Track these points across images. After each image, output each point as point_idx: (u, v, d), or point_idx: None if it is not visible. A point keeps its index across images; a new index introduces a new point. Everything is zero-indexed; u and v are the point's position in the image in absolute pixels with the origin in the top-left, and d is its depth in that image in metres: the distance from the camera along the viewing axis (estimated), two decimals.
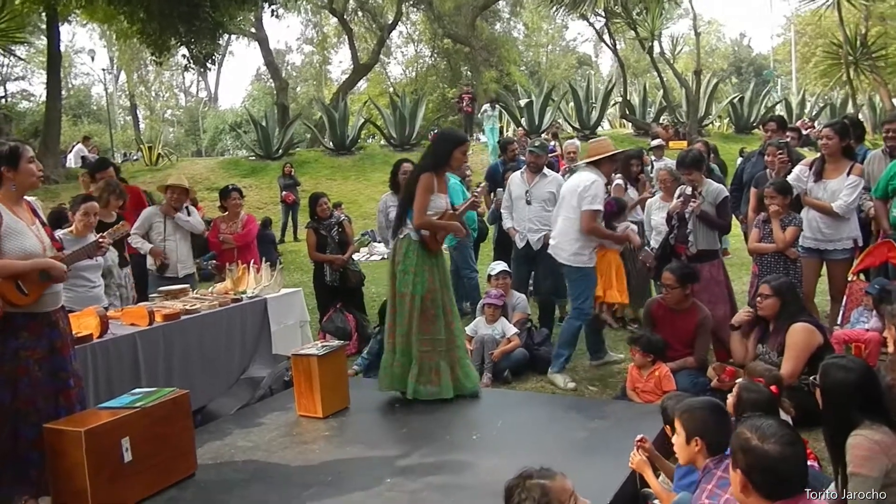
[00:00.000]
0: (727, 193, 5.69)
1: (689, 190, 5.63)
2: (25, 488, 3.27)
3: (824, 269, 5.50)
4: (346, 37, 30.29)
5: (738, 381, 3.37)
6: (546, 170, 6.49)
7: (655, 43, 20.88)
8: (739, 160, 8.79)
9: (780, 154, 5.72)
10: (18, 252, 3.27)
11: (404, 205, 4.57)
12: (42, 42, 24.23)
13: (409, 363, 4.45)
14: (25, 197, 3.50)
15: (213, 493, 3.36)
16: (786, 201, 5.04)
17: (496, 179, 7.49)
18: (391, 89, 32.79)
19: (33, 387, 3.29)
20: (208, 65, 18.45)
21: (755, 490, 2.01)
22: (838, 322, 5.38)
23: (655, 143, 11.50)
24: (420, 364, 4.43)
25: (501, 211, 6.73)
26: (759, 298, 4.36)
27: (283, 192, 15.09)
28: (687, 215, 5.46)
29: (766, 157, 5.97)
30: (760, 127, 8.20)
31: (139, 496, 3.29)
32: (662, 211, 6.04)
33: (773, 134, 6.54)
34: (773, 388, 2.95)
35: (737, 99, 23.53)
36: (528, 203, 6.35)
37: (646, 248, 6.16)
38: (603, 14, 20.88)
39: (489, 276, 5.99)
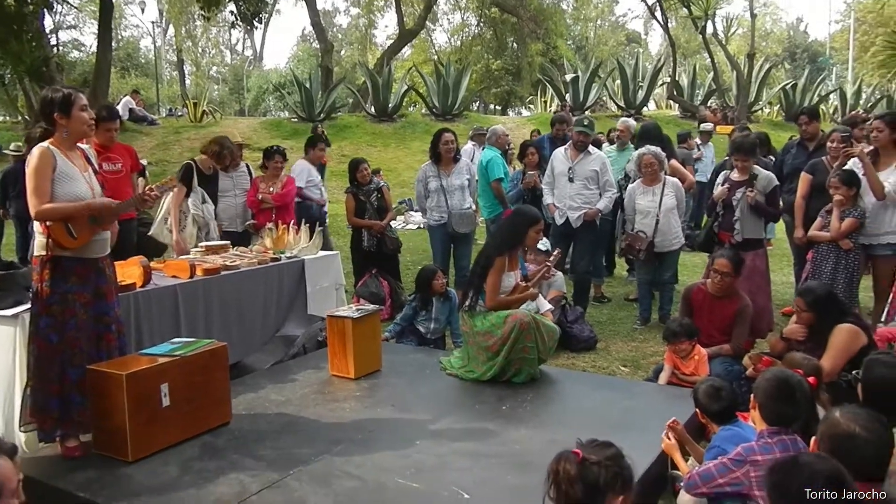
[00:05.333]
0: (777, 182, 5.60)
1: (734, 175, 5.54)
2: (68, 427, 3.40)
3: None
4: (394, 1, 30.06)
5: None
6: (591, 147, 6.43)
7: (709, 23, 20.37)
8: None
9: (844, 145, 5.58)
10: (70, 197, 3.35)
11: (476, 281, 4.50)
12: None
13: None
14: (79, 144, 3.57)
15: (246, 442, 3.46)
16: (850, 192, 4.97)
17: (543, 154, 7.41)
18: (435, 57, 32.56)
19: (79, 329, 3.40)
20: (255, 23, 18.49)
21: None
22: (882, 319, 5.27)
23: (705, 126, 11.29)
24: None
25: (542, 186, 6.69)
26: (796, 309, 4.28)
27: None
28: (735, 203, 5.39)
29: (828, 145, 5.83)
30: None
31: (175, 439, 3.41)
32: (647, 195, 6.01)
33: (807, 126, 6.41)
34: (811, 379, 2.92)
35: (789, 86, 22.91)
36: (571, 180, 6.31)
37: (637, 231, 6.08)
38: None
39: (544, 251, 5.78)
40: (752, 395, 2.74)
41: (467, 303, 4.51)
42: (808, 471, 1.88)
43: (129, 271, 4.25)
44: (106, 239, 3.59)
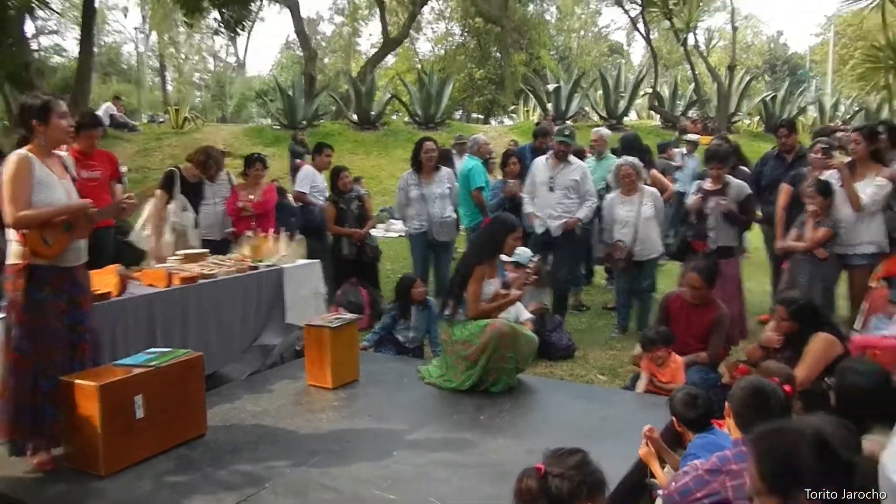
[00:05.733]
0: (750, 191, 5.67)
1: (707, 185, 5.61)
2: (39, 440, 3.35)
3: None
4: (378, 9, 30.09)
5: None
6: (571, 157, 6.46)
7: (690, 35, 20.58)
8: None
9: (825, 157, 5.65)
10: (47, 204, 3.32)
11: (457, 289, 4.52)
12: None
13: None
14: (56, 151, 3.54)
15: (221, 454, 3.42)
16: (825, 202, 5.04)
17: (524, 163, 7.42)
18: (419, 66, 32.61)
19: (53, 339, 3.36)
20: (239, 30, 18.42)
21: None
22: (857, 327, 5.33)
23: (691, 137, 11.39)
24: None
25: (523, 196, 6.71)
26: (776, 317, 4.32)
27: (296, 161, 15.22)
28: (708, 211, 5.45)
29: (810, 156, 5.90)
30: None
31: (149, 452, 3.37)
32: (626, 205, 6.07)
33: (786, 138, 6.49)
34: (786, 387, 2.94)
35: (769, 97, 23.17)
36: (551, 189, 6.34)
37: (617, 240, 6.13)
38: (639, 2, 20.58)
39: (516, 264, 5.70)
40: (727, 404, 2.76)
41: (447, 312, 4.51)
42: (793, 435, 1.86)
43: (104, 280, 4.21)
44: (81, 248, 3.55)
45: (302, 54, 28.36)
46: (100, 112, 19.72)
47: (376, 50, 29.24)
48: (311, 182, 7.29)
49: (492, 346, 4.25)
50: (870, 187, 5.13)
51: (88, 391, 3.18)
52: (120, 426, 3.24)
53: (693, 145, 10.90)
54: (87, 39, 16.52)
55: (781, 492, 1.67)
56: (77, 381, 3.24)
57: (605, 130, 8.02)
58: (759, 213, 6.68)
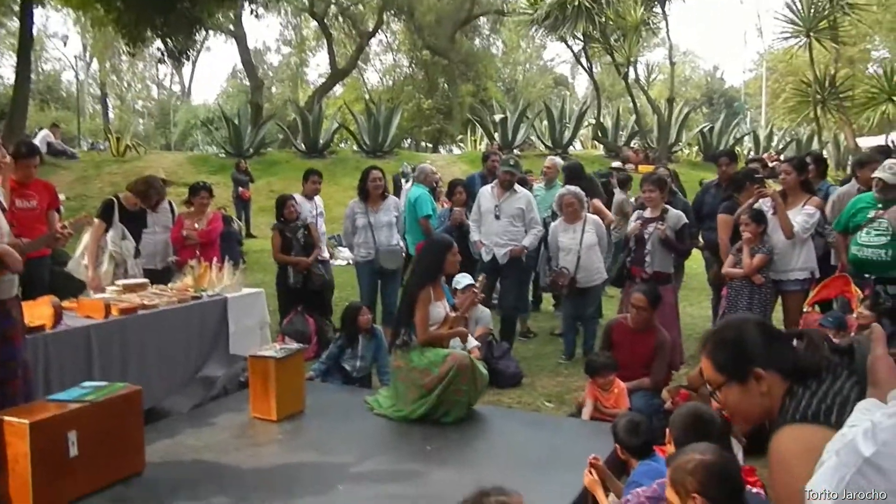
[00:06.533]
0: (686, 220, 5.84)
1: (646, 213, 5.77)
2: None
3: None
4: (326, 41, 30.21)
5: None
6: (517, 186, 6.55)
7: (631, 69, 21.19)
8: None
9: (759, 187, 5.84)
10: None
11: (404, 318, 4.50)
12: (14, 23, 23.69)
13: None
14: None
15: (159, 492, 3.30)
16: (759, 229, 5.21)
17: (473, 192, 7.48)
18: (367, 96, 32.76)
19: None
20: (183, 59, 18.24)
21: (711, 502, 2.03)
22: None
23: (615, 164, 11.72)
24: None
25: (469, 223, 6.76)
26: None
27: (240, 189, 15.16)
28: (647, 236, 5.60)
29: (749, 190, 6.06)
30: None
31: (83, 491, 3.23)
32: (568, 233, 6.22)
33: (726, 168, 6.71)
34: (725, 413, 3.01)
35: (707, 128, 23.98)
36: (497, 217, 6.40)
37: (561, 268, 6.24)
38: (581, 38, 21.14)
39: (454, 289, 5.90)
40: (668, 430, 2.80)
41: (399, 340, 4.48)
42: (737, 322, 1.94)
43: (38, 311, 4.05)
44: (13, 280, 3.43)
45: (248, 84, 28.22)
46: (36, 140, 19.22)
47: (324, 80, 29.33)
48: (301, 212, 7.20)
49: (450, 377, 4.22)
50: (800, 215, 5.34)
51: (19, 429, 3.03)
52: (52, 465, 3.10)
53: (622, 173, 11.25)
54: (24, 67, 16.13)
55: (739, 377, 1.77)
56: (6, 419, 3.09)
57: (558, 159, 8.20)
58: (701, 239, 6.87)
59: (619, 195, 8.67)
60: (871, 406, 1.35)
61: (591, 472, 3.12)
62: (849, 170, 7.79)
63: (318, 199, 7.53)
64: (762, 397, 1.75)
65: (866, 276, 5.03)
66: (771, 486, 1.63)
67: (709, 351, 1.86)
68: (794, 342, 1.79)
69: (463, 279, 5.82)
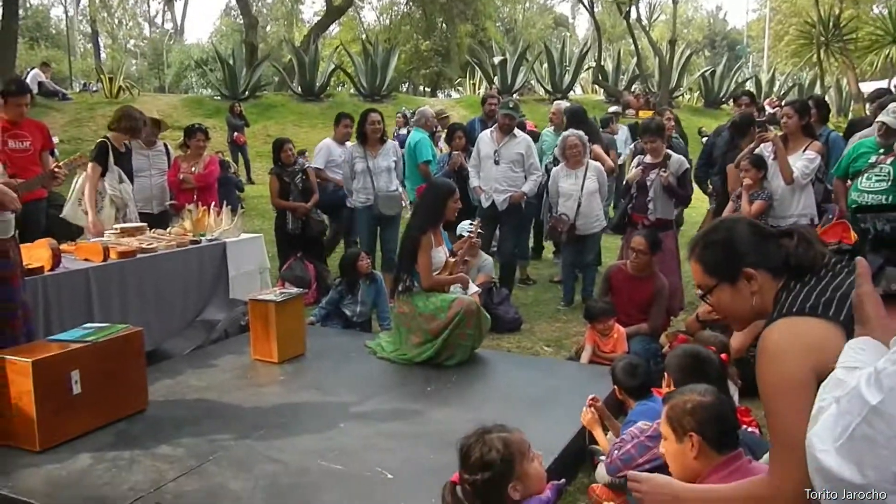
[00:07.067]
0: (688, 165, 5.80)
1: (647, 159, 5.72)
2: None
3: None
4: None
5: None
6: (516, 130, 6.49)
7: (633, 8, 20.80)
8: (705, 138, 8.90)
9: (760, 131, 5.79)
10: None
11: (406, 263, 4.50)
12: None
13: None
14: None
15: (163, 429, 3.37)
16: (759, 175, 5.18)
17: (473, 137, 7.41)
18: (364, 36, 32.14)
19: None
20: None
21: (710, 447, 2.06)
22: None
23: (612, 108, 11.61)
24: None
25: (469, 169, 6.71)
26: None
27: (234, 134, 14.92)
28: (649, 183, 5.56)
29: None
30: (732, 101, 8.37)
31: (88, 427, 3.30)
32: (570, 178, 6.17)
33: (745, 108, 6.63)
34: (722, 356, 3.04)
35: (708, 72, 23.67)
36: (497, 163, 6.35)
37: (561, 214, 6.22)
38: None
39: (460, 235, 5.75)
40: (664, 373, 2.84)
41: (403, 286, 4.50)
42: (727, 222, 1.93)
43: (36, 254, 4.06)
44: (9, 220, 3.42)
45: (242, 22, 27.61)
46: (27, 79, 18.92)
47: (320, 18, 28.67)
48: (328, 156, 7.14)
49: (456, 321, 4.27)
50: (800, 160, 5.30)
51: (22, 367, 3.08)
52: (55, 402, 3.15)
53: (616, 116, 11.18)
54: (11, 2, 15.72)
55: (729, 277, 1.76)
56: (9, 357, 3.13)
57: (564, 103, 8.06)
58: (710, 185, 6.84)
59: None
60: (864, 345, 1.30)
61: (590, 411, 3.18)
62: (868, 110, 7.67)
63: (349, 144, 7.41)
64: (754, 297, 1.73)
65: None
66: (759, 381, 1.60)
67: (697, 254, 1.84)
68: (785, 240, 1.75)
69: (468, 226, 5.83)
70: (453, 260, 4.66)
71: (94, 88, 21.56)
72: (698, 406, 2.10)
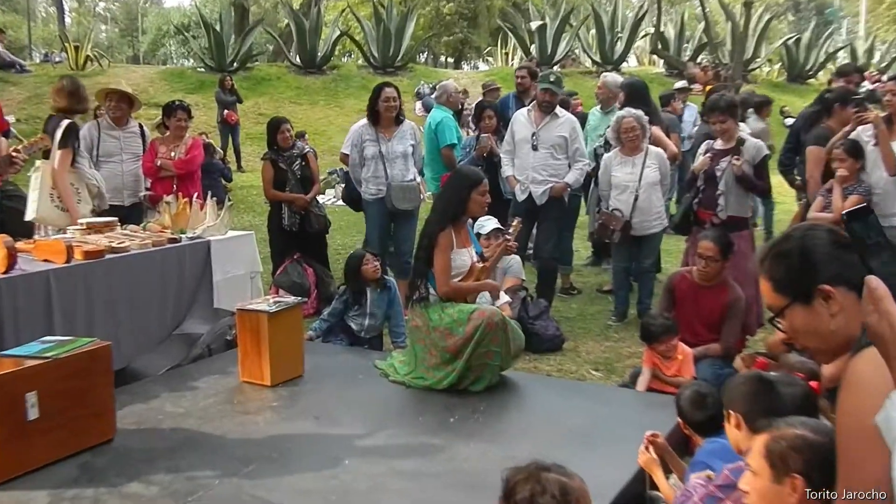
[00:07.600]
0: (767, 151, 5.73)
1: (717, 144, 5.66)
2: None
3: None
4: None
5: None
6: (559, 109, 6.46)
7: None
8: (788, 120, 8.83)
9: (858, 110, 5.71)
10: None
11: (423, 265, 4.49)
12: None
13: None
14: None
15: (133, 462, 3.38)
16: (856, 165, 5.11)
17: (506, 117, 7.37)
18: None
19: None
20: None
21: (812, 489, 2.01)
22: None
23: (679, 84, 11.51)
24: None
25: (501, 155, 6.70)
26: None
27: (225, 111, 15.00)
28: (719, 174, 5.50)
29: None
30: (831, 79, 8.26)
31: (46, 458, 3.31)
32: (625, 167, 6.12)
33: (854, 86, 6.56)
34: (813, 383, 3.00)
35: (792, 40, 23.47)
36: (535, 148, 6.34)
37: (613, 209, 6.20)
38: None
39: (478, 234, 5.68)
40: (726, 412, 2.78)
41: (417, 294, 4.48)
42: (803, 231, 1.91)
43: None
44: None
45: None
46: None
47: None
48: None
49: (477, 338, 4.22)
50: None
51: None
52: (7, 429, 3.17)
53: (685, 92, 11.05)
54: None
55: (801, 297, 1.75)
56: None
57: (612, 76, 7.92)
58: (797, 176, 6.77)
59: (756, 123, 8.58)
60: None
61: (647, 450, 3.14)
62: None
63: (356, 124, 7.42)
64: (834, 320, 1.71)
65: None
66: (837, 417, 1.58)
67: (767, 268, 1.83)
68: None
69: (487, 223, 5.78)
70: (481, 265, 4.62)
71: (58, 59, 21.92)
72: (809, 444, 2.04)
